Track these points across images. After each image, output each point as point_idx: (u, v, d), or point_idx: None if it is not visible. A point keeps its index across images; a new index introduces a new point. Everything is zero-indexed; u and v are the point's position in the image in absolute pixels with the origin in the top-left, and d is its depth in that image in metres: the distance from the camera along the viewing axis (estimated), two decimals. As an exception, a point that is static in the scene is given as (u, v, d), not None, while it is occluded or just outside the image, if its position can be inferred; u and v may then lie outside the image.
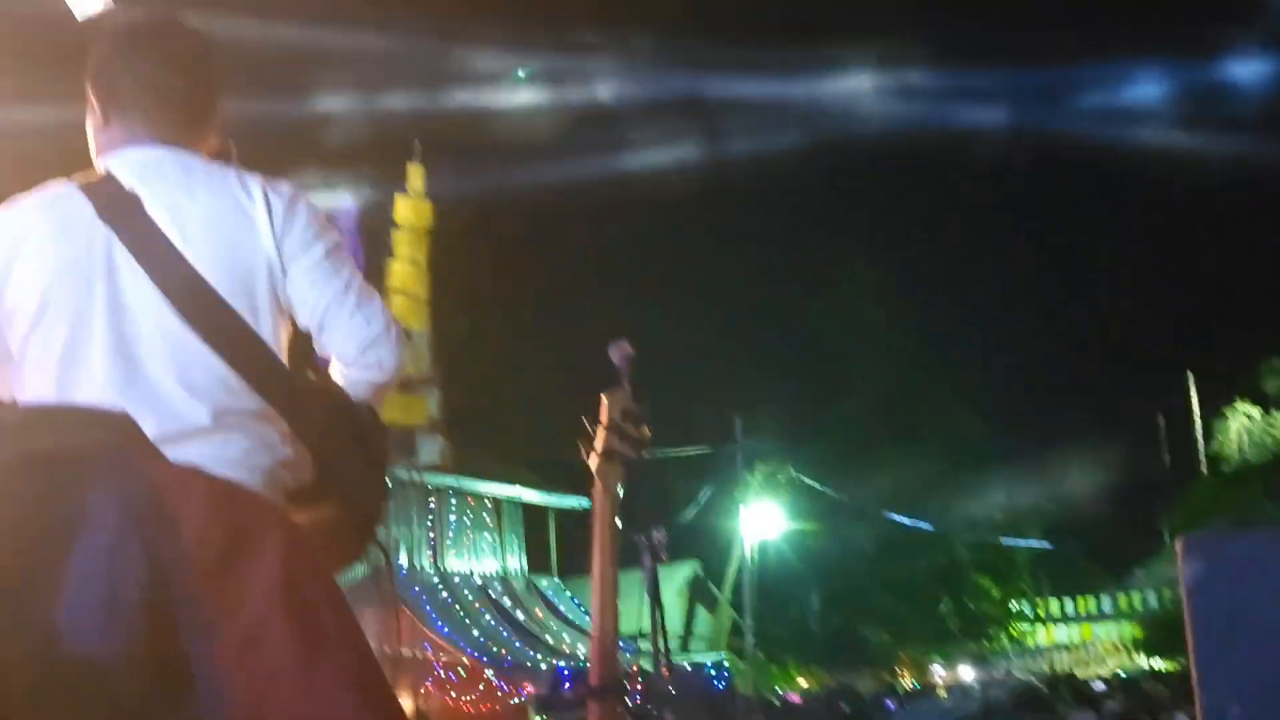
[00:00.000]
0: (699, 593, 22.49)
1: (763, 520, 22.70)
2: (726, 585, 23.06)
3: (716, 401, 22.20)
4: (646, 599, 3.48)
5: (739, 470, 22.25)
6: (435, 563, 18.96)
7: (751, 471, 23.07)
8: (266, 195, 2.43)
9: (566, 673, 16.56)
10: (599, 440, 3.34)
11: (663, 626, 3.47)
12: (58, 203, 2.42)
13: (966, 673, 26.74)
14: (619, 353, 3.39)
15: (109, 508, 1.87)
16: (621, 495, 3.36)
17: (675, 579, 20.82)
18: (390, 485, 2.57)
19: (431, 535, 18.96)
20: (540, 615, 20.34)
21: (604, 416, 3.36)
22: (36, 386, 2.34)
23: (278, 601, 1.89)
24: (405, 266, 14.48)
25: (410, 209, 14.42)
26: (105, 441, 1.99)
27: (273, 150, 2.70)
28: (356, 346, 2.47)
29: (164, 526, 1.91)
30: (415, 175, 14.55)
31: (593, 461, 3.33)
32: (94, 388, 2.30)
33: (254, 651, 1.83)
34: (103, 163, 2.49)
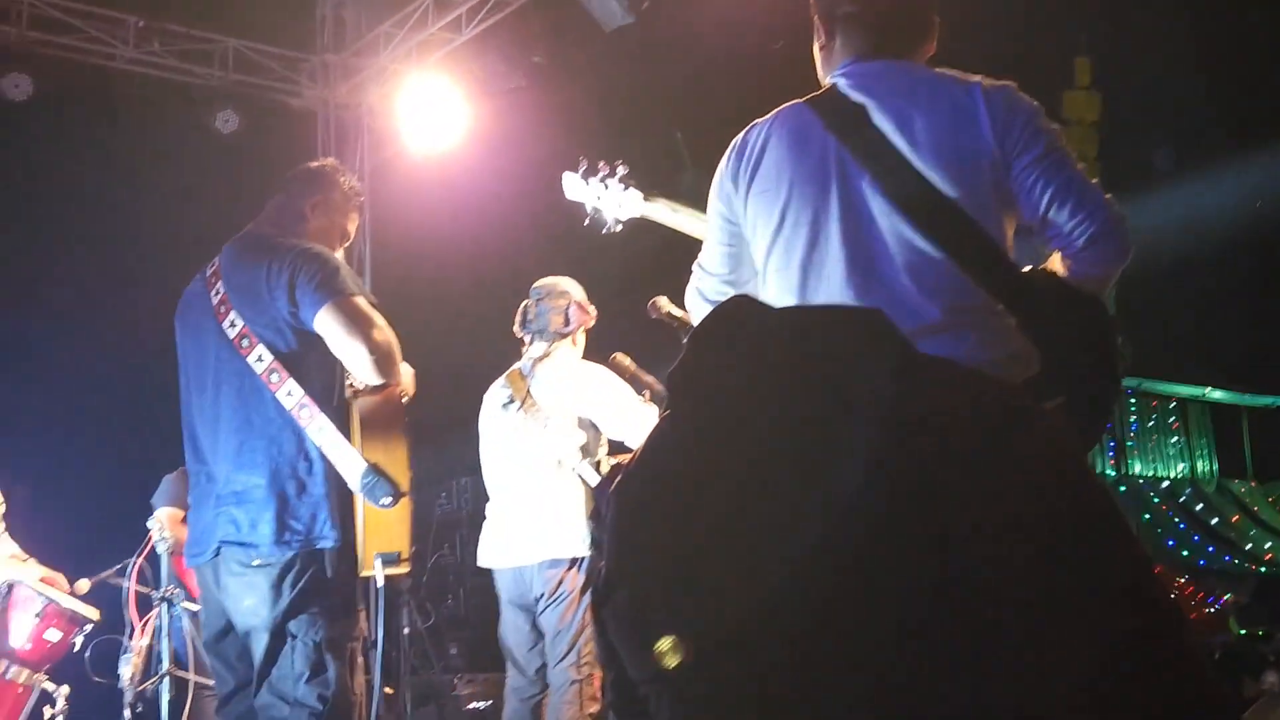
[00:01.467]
0: None
1: None
2: None
3: None
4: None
5: None
6: (1118, 467, 18.41)
7: None
8: (987, 96, 2.46)
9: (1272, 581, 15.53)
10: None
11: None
12: (789, 119, 2.58)
13: None
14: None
15: (874, 401, 1.98)
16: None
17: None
18: (1120, 379, 2.52)
19: (1113, 439, 18.39)
20: (1235, 521, 19.17)
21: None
22: (779, 292, 2.51)
23: (1041, 490, 1.92)
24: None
25: (1079, 103, 13.95)
26: (867, 338, 2.10)
27: (940, 53, 2.70)
28: (1082, 240, 2.45)
29: (926, 417, 1.99)
30: (1083, 70, 14.05)
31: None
32: (833, 291, 2.43)
33: (1019, 536, 1.87)
34: (828, 80, 2.61)
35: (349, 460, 3.32)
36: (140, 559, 6.14)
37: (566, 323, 5.36)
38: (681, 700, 2.10)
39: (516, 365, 5.43)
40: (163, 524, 6.36)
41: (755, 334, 2.25)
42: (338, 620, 3.38)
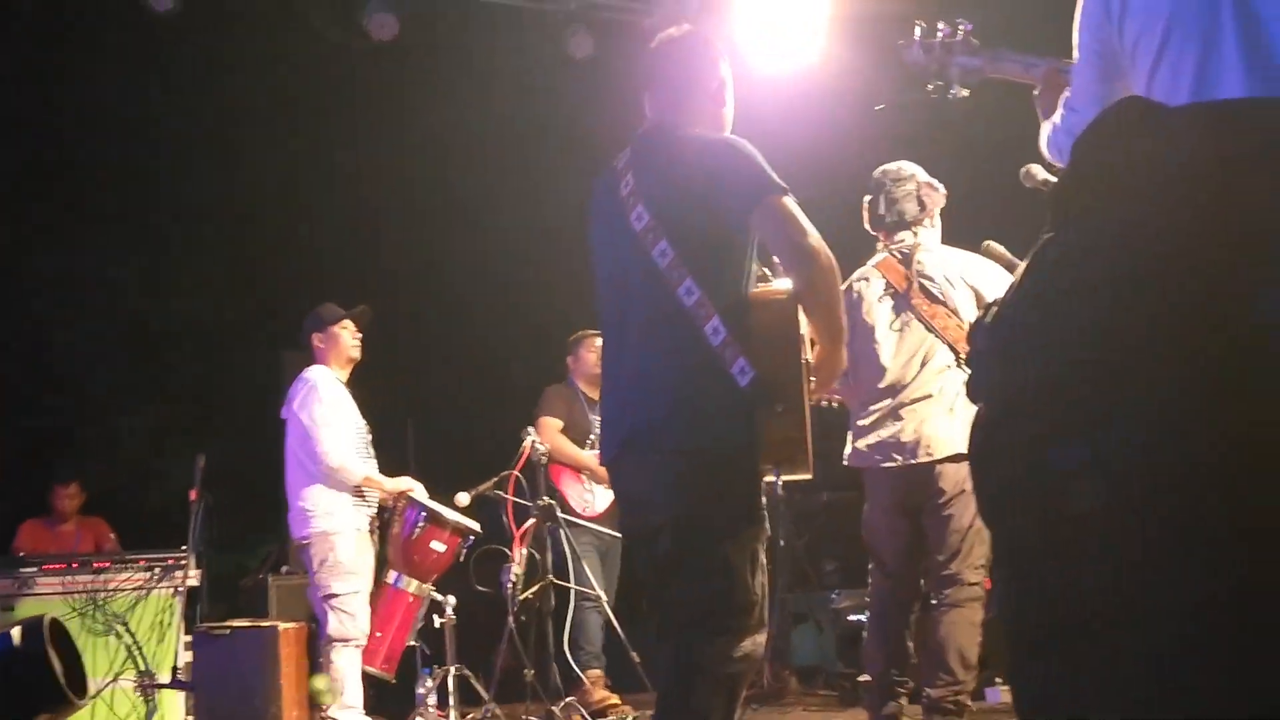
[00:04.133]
0: None
1: None
2: None
3: None
4: None
5: None
6: None
7: None
8: None
9: None
10: None
11: None
12: None
13: None
14: None
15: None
16: None
17: None
18: None
19: None
20: None
21: None
22: None
23: None
24: None
25: None
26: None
27: None
28: None
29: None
30: None
31: None
32: None
33: None
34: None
35: (739, 365, 3.26)
36: (515, 471, 6.26)
37: (922, 205, 5.13)
38: (1096, 549, 1.84)
39: (881, 256, 5.20)
40: (538, 434, 6.47)
41: (1160, 132, 1.97)
42: (741, 519, 3.32)
